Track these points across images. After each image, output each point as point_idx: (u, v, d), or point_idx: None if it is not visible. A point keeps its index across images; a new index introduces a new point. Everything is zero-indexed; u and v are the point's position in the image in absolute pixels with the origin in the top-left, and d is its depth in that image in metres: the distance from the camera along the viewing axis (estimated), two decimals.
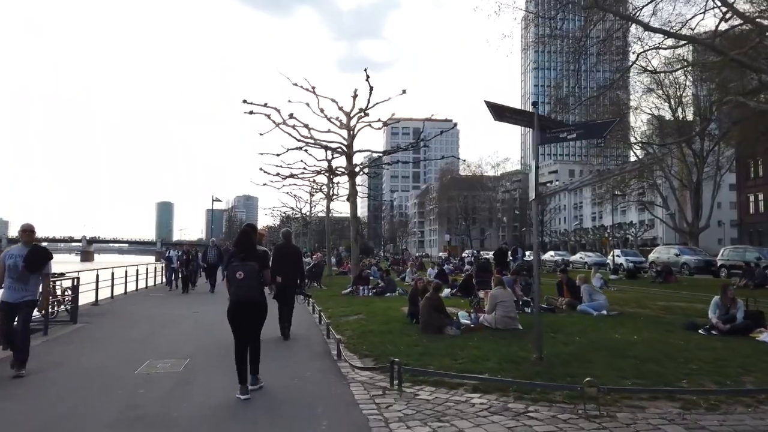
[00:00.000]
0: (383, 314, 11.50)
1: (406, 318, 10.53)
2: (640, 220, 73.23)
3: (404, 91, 18.77)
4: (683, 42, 19.25)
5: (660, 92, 35.21)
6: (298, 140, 17.99)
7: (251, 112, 17.55)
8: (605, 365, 6.58)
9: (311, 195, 34.26)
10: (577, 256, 43.54)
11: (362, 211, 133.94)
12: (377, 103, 18.41)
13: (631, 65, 21.29)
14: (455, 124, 21.15)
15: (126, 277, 18.91)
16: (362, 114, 18.00)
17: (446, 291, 16.51)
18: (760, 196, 54.06)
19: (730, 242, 71.41)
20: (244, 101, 17.58)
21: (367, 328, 9.88)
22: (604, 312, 11.00)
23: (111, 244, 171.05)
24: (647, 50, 20.77)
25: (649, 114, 37.54)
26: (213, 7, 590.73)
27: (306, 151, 25.87)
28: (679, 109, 35.71)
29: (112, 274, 17.49)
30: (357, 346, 8.15)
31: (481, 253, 47.29)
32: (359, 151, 19.48)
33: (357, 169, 19.31)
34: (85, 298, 15.93)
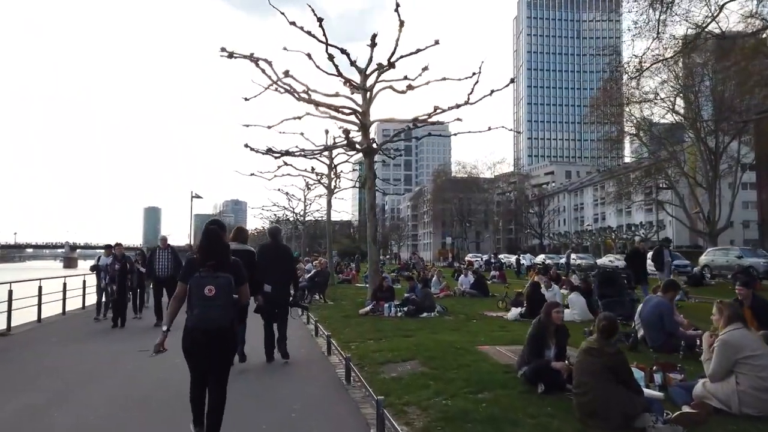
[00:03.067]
0: (456, 362, 6.67)
1: (519, 378, 5.72)
2: (648, 221, 69.18)
3: (437, 42, 14.02)
4: None
5: (674, 83, 31.96)
6: (298, 99, 12.98)
7: (231, 56, 12.50)
8: None
9: (307, 189, 29.22)
10: (605, 260, 38.87)
11: (354, 213, 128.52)
12: (402, 57, 13.57)
13: (709, 23, 16.86)
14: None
15: (65, 292, 13.96)
16: (385, 68, 13.12)
17: (513, 312, 11.77)
18: None
19: (743, 244, 67.87)
20: (222, 49, 12.69)
21: (447, 399, 5.12)
22: None
23: (96, 250, 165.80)
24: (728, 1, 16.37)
25: (666, 107, 34.22)
26: (198, 9, 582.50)
27: (302, 134, 21.27)
28: (694, 103, 32.39)
29: (39, 288, 12.52)
30: None
31: (528, 256, 42.55)
32: (379, 120, 14.63)
33: (375, 146, 14.32)
34: None
